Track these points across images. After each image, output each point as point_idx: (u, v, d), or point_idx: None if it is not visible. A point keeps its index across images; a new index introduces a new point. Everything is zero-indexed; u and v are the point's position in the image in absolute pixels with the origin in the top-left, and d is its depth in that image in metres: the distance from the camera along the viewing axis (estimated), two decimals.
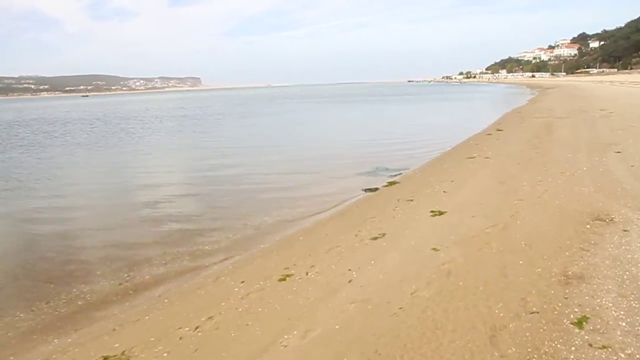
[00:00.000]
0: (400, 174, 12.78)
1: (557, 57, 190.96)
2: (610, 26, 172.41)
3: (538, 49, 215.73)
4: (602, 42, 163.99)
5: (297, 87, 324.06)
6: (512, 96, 57.91)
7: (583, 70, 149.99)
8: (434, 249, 6.22)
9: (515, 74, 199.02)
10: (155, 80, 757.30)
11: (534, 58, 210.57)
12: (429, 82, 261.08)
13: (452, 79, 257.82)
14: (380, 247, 6.61)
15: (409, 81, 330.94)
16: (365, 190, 11.00)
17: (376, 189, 11.07)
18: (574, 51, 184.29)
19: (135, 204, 11.29)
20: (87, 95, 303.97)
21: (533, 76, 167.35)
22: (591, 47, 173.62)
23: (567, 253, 5.56)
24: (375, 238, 6.99)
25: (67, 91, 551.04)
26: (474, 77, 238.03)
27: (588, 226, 6.68)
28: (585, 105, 29.54)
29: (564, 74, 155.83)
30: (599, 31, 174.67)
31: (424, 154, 15.99)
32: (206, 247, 7.81)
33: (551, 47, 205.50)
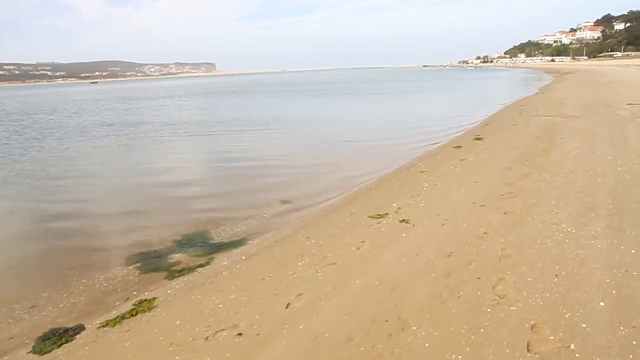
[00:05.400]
0: (210, 259, 5.98)
1: (579, 40, 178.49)
2: (638, 6, 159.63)
3: (559, 32, 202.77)
4: (628, 24, 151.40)
5: (311, 72, 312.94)
6: (522, 83, 49.86)
7: (606, 53, 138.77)
8: None
9: (534, 58, 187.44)
10: (170, 66, 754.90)
11: (555, 42, 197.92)
12: (445, 66, 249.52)
13: (468, 63, 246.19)
14: None
15: (425, 66, 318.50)
16: (47, 337, 4.25)
17: (70, 335, 4.31)
18: (597, 34, 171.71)
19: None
20: (95, 82, 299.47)
21: (553, 60, 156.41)
22: (616, 30, 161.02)
23: None
24: None
25: (82, 77, 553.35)
26: (491, 61, 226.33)
27: None
28: (608, 97, 22.15)
29: (586, 57, 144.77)
30: (626, 12, 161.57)
31: (322, 193, 9.04)
32: None
33: (573, 30, 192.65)
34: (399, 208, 7.25)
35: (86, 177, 11.84)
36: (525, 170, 8.76)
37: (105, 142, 17.99)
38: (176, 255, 6.40)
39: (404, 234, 5.99)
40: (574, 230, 5.47)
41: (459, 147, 12.48)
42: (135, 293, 5.37)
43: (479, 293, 4.20)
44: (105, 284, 5.68)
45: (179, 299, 4.99)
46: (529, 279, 4.36)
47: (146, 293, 5.30)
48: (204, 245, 6.69)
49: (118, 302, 5.17)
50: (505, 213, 6.38)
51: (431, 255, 5.17)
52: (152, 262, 6.25)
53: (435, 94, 39.30)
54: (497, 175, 8.70)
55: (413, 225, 6.30)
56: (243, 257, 6.01)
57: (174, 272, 5.84)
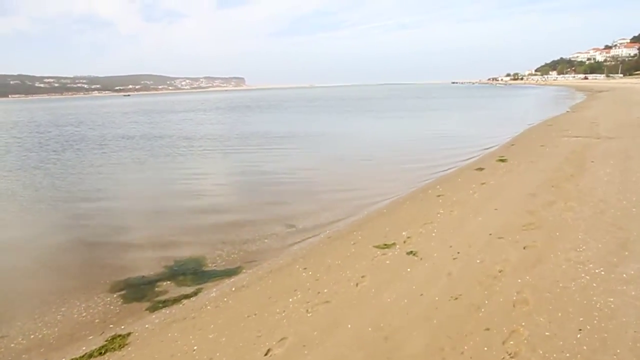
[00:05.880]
0: (198, 289, 5.63)
1: (613, 57, 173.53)
2: None
3: (593, 49, 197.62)
4: None
5: (338, 87, 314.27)
6: (553, 101, 48.38)
7: None
8: None
9: (566, 75, 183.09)
10: (201, 80, 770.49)
11: (588, 59, 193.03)
12: (473, 83, 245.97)
13: (498, 80, 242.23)
14: None
15: (453, 82, 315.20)
16: None
17: None
18: (633, 51, 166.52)
19: None
20: (128, 95, 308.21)
21: (585, 78, 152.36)
22: None
23: None
24: None
25: (116, 90, 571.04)
26: (521, 78, 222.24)
27: None
28: None
29: (621, 75, 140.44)
30: None
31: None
32: None
33: (608, 47, 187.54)
34: (408, 237, 6.67)
35: (90, 195, 11.58)
36: (550, 198, 8.07)
37: (120, 156, 17.97)
38: (164, 284, 5.98)
39: (409, 269, 5.41)
40: (603, 272, 4.79)
41: (481, 169, 11.81)
42: (112, 326, 4.96)
43: (485, 349, 3.59)
44: (85, 314, 5.29)
45: (155, 336, 4.54)
46: (547, 333, 3.73)
47: (123, 327, 4.88)
48: (195, 273, 6.25)
49: (91, 336, 4.76)
50: (524, 247, 5.73)
51: (436, 296, 4.58)
52: (138, 289, 5.85)
53: (461, 112, 38.40)
54: (519, 202, 8.03)
55: (421, 259, 5.71)
56: (233, 289, 5.54)
57: (157, 303, 5.41)
